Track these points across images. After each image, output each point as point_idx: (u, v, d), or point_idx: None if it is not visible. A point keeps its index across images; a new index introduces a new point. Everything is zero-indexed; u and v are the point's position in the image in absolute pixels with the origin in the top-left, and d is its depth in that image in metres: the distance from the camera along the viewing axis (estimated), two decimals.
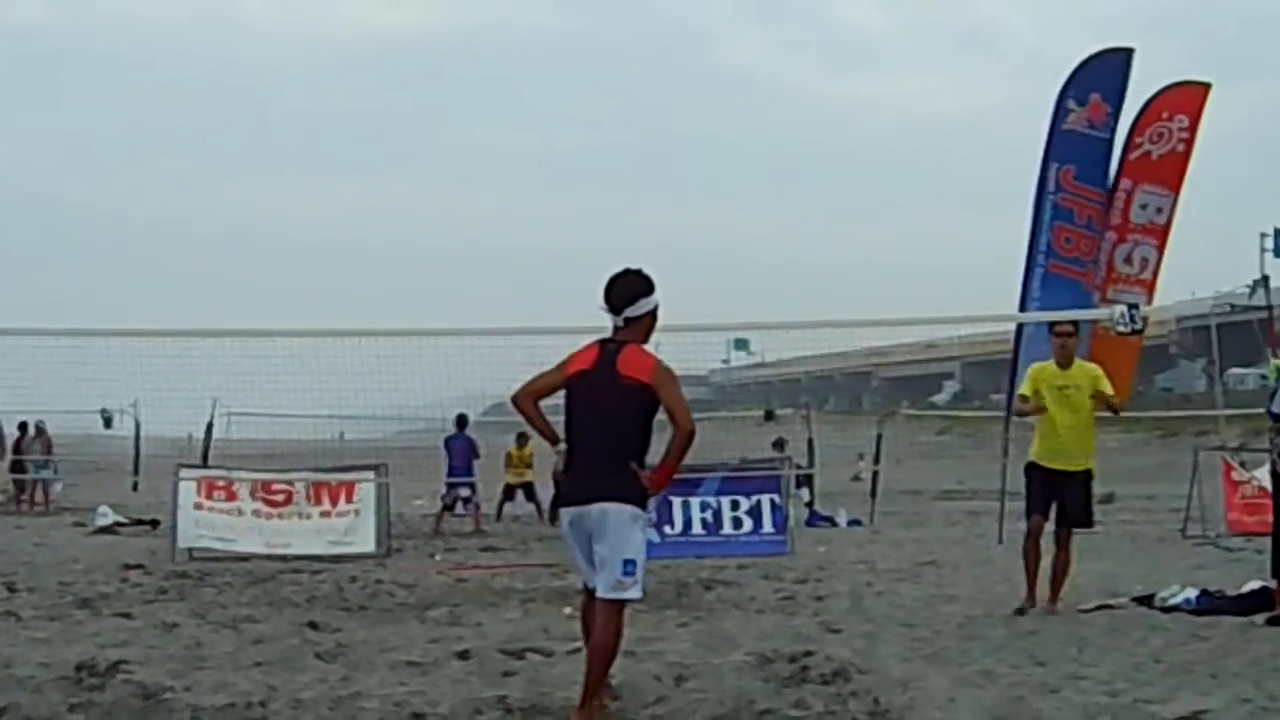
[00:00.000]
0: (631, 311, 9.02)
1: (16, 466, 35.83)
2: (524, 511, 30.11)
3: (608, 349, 9.01)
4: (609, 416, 8.88)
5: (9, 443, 35.32)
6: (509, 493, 30.53)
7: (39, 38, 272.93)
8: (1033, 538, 13.79)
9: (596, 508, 8.81)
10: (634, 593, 8.88)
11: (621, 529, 8.77)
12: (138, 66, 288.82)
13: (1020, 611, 13.43)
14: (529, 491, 30.34)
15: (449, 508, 28.31)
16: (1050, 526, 13.85)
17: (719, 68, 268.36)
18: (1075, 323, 15.29)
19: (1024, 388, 14.22)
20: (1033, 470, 14.04)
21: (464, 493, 28.51)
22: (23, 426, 35.83)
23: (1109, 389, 13.94)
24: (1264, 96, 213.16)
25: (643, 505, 8.90)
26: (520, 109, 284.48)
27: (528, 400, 9.30)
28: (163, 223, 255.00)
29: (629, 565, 8.75)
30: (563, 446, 9.16)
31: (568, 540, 9.17)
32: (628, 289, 9.06)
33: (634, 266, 9.20)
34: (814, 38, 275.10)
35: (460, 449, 28.99)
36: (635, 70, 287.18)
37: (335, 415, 35.88)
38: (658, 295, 9.16)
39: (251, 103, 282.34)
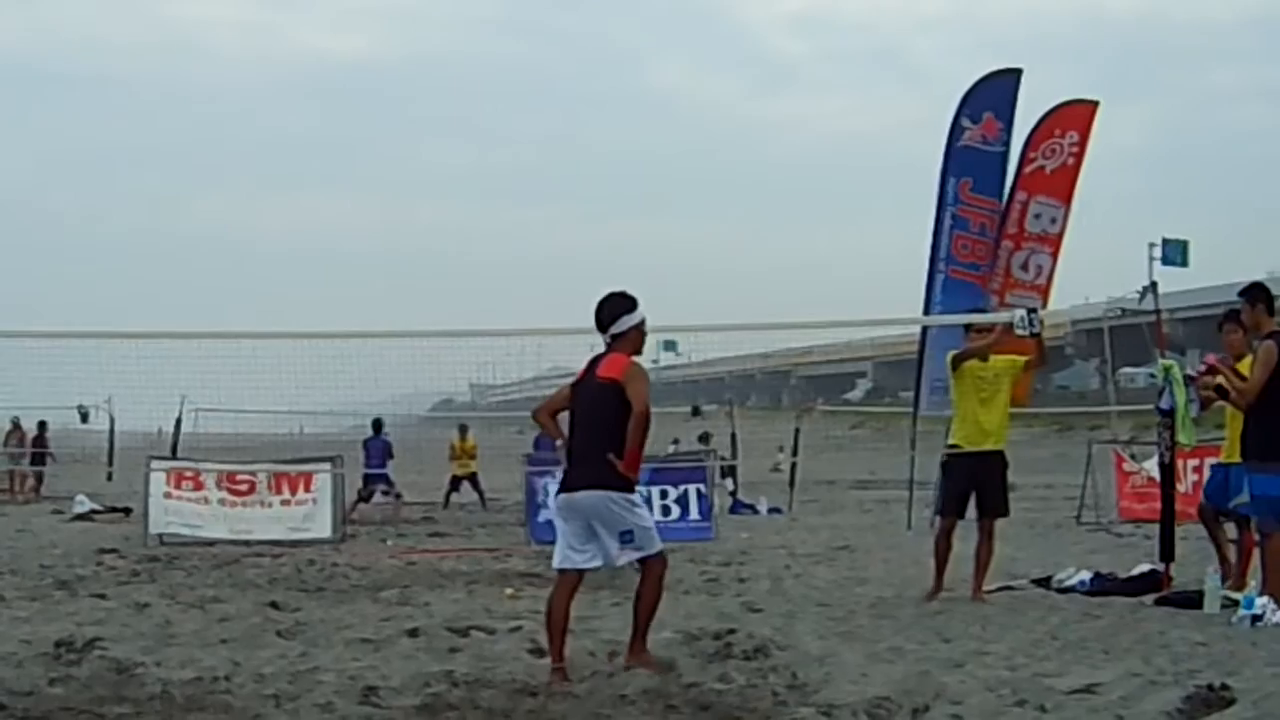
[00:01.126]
0: (616, 328, 9.50)
1: (37, 459, 36.05)
2: (469, 500, 30.09)
3: (594, 361, 9.56)
4: (591, 415, 9.41)
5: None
6: (455, 483, 30.53)
7: (24, 62, 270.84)
8: (945, 534, 13.43)
9: (581, 495, 9.33)
10: (626, 557, 9.54)
11: (607, 510, 9.32)
12: (114, 88, 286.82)
13: (929, 599, 13.19)
14: (473, 481, 30.38)
15: (365, 499, 28.03)
16: (971, 515, 13.55)
17: (649, 90, 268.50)
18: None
19: (952, 357, 13.97)
20: (953, 461, 13.70)
21: (383, 486, 28.40)
22: (41, 425, 35.84)
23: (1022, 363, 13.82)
24: (1152, 116, 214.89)
25: (626, 489, 9.38)
26: (465, 128, 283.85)
27: (543, 414, 10.07)
28: (136, 233, 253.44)
29: (625, 535, 9.38)
30: (559, 442, 9.77)
31: (561, 522, 9.62)
32: (611, 309, 9.54)
33: (618, 289, 9.62)
34: (739, 62, 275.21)
35: (376, 449, 28.95)
36: (571, 91, 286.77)
37: (295, 411, 35.74)
38: (641, 311, 9.58)
39: (218, 122, 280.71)
